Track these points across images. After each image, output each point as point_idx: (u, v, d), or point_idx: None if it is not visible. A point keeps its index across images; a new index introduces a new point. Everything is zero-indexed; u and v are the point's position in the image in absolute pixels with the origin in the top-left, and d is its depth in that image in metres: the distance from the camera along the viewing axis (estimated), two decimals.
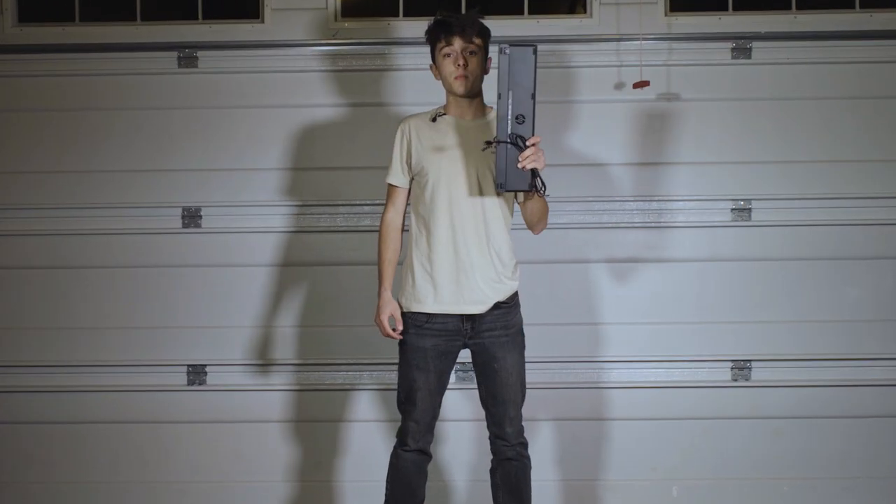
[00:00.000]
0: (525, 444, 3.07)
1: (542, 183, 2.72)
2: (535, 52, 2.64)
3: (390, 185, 3.06)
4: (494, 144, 2.68)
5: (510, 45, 2.66)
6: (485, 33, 2.97)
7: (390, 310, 2.99)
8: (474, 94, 2.96)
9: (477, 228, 2.93)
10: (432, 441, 3.07)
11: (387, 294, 3.01)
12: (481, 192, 2.91)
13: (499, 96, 2.64)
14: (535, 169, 2.70)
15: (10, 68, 3.77)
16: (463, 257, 2.92)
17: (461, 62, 2.90)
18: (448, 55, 2.93)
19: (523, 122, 2.65)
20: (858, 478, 3.78)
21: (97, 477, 3.82)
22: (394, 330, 2.98)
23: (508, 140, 2.65)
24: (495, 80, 2.67)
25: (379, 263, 3.04)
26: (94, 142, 3.79)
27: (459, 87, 2.92)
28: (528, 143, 2.67)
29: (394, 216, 3.06)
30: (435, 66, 2.99)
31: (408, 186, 3.05)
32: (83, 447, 3.82)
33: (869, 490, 3.77)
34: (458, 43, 2.91)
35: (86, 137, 3.79)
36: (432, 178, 2.94)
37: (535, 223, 2.98)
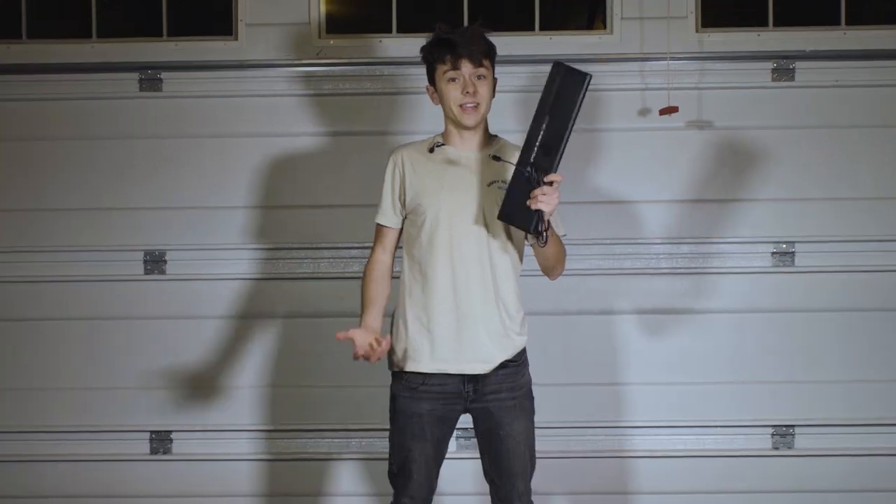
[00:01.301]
0: None
1: (545, 229, 2.39)
2: (589, 80, 2.34)
3: (379, 225, 2.74)
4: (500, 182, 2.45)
5: (566, 65, 2.39)
6: (492, 52, 2.67)
7: (366, 330, 2.61)
8: (481, 123, 2.61)
9: (483, 275, 2.59)
10: None
11: (366, 319, 2.65)
12: (487, 233, 2.58)
13: (534, 118, 2.35)
14: (542, 211, 2.36)
15: None
16: (465, 309, 2.59)
17: (470, 90, 2.57)
18: (453, 80, 2.61)
19: (549, 154, 2.34)
20: None
21: None
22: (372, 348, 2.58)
23: (528, 170, 2.34)
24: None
25: (362, 302, 2.68)
26: (44, 176, 3.53)
27: (469, 119, 2.57)
28: (545, 180, 2.35)
29: (383, 257, 2.73)
30: (433, 89, 2.64)
31: (400, 227, 2.73)
32: None
33: None
34: (465, 67, 2.58)
35: (35, 170, 3.53)
36: (430, 218, 2.59)
37: (550, 268, 2.67)
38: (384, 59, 3.49)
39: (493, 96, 2.63)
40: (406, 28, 3.51)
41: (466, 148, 2.64)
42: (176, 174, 3.50)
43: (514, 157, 2.52)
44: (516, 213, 2.38)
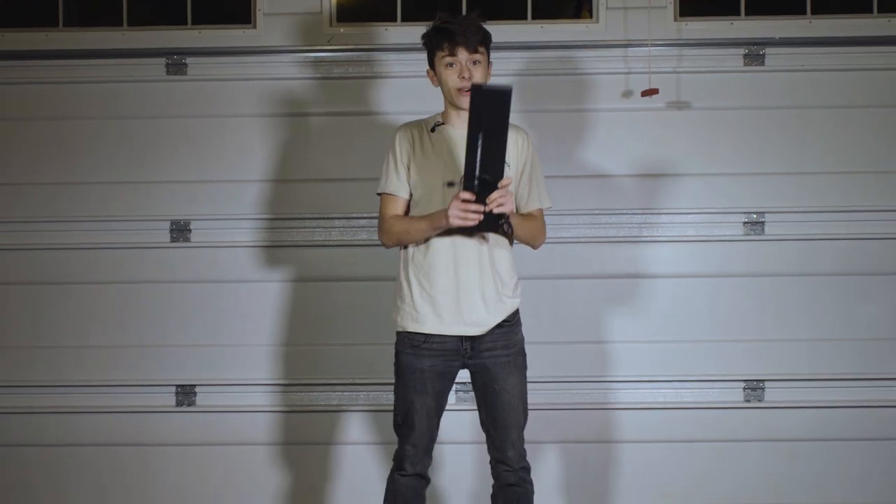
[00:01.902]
0: (528, 469, 2.98)
1: (510, 225, 2.65)
2: (510, 94, 2.53)
3: (387, 194, 2.92)
4: (459, 185, 2.62)
5: (485, 88, 2.58)
6: (487, 40, 2.88)
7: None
8: None
9: (479, 246, 2.84)
10: (430, 465, 2.98)
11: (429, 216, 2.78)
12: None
13: (469, 139, 2.51)
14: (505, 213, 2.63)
15: None
16: (463, 276, 2.82)
17: (466, 74, 2.81)
18: (451, 65, 2.83)
19: (495, 164, 2.55)
20: (877, 503, 3.71)
21: (81, 503, 3.73)
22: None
23: (476, 184, 2.55)
24: None
25: (412, 226, 2.83)
26: (78, 151, 3.74)
27: (465, 101, 2.77)
28: (500, 185, 2.59)
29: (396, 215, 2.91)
30: (433, 73, 2.89)
31: (407, 197, 2.92)
32: (66, 471, 3.74)
33: None
34: (462, 54, 2.80)
35: (69, 147, 3.74)
36: (432, 191, 2.84)
37: (529, 243, 2.94)
38: (389, 46, 3.69)
39: (488, 79, 2.88)
40: (409, 17, 3.71)
41: (464, 127, 2.92)
42: (199, 151, 3.71)
43: (512, 135, 2.74)
44: (483, 223, 2.59)
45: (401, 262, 2.92)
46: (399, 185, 2.88)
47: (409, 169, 2.87)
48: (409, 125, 2.94)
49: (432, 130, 2.89)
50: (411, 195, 2.88)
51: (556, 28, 3.70)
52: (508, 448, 2.93)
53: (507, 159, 2.66)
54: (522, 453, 2.96)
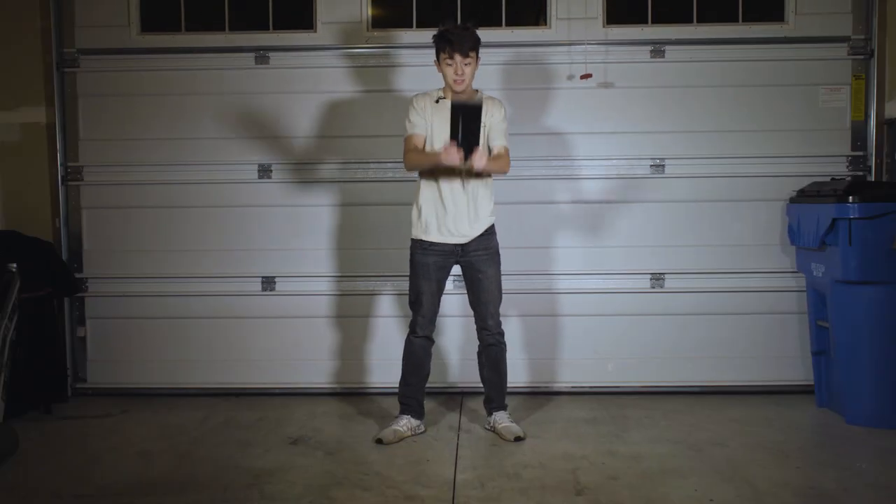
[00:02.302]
0: (502, 334, 4.33)
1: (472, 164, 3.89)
2: (481, 105, 3.87)
3: (414, 134, 4.05)
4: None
5: (462, 104, 3.79)
6: (477, 45, 4.00)
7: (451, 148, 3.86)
8: (467, 88, 4.12)
9: (465, 183, 4.13)
10: (434, 330, 4.31)
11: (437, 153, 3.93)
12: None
13: (451, 121, 3.81)
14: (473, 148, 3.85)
15: (136, 65, 5.15)
16: (450, 208, 4.14)
17: (459, 72, 3.97)
18: (449, 64, 3.98)
19: (474, 136, 3.84)
20: (741, 357, 5.10)
21: (195, 356, 5.20)
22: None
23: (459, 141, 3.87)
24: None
25: (430, 161, 4.01)
26: (195, 118, 5.12)
27: (458, 87, 4.05)
28: (478, 148, 3.90)
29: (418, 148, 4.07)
30: (438, 63, 4.14)
31: (424, 134, 4.04)
32: (186, 335, 5.19)
33: (748, 364, 5.11)
34: (457, 57, 3.95)
35: (189, 114, 5.12)
36: (435, 142, 4.11)
37: (500, 172, 4.19)
38: (408, 44, 5.00)
39: (476, 68, 4.10)
40: (422, 25, 5.03)
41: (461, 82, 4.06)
42: (278, 116, 5.06)
43: (488, 104, 4.01)
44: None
45: (416, 193, 4.21)
46: (420, 126, 4.09)
47: (424, 119, 4.12)
48: (421, 95, 4.20)
49: (437, 101, 4.15)
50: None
51: (522, 32, 5.08)
52: (488, 318, 4.23)
53: (483, 120, 3.94)
54: (499, 322, 4.27)
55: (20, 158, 5.18)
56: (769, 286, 5.09)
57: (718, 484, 3.63)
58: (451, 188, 4.13)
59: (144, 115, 5.15)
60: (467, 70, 3.98)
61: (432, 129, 4.12)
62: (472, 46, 3.97)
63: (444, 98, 4.10)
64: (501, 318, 4.35)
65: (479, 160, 3.89)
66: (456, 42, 3.92)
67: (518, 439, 4.21)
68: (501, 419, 4.35)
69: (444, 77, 4.09)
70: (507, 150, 4.17)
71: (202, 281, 5.17)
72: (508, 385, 4.45)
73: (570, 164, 5.10)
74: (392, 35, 5.12)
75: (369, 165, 5.12)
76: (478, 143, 3.86)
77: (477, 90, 4.19)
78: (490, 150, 4.13)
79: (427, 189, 4.17)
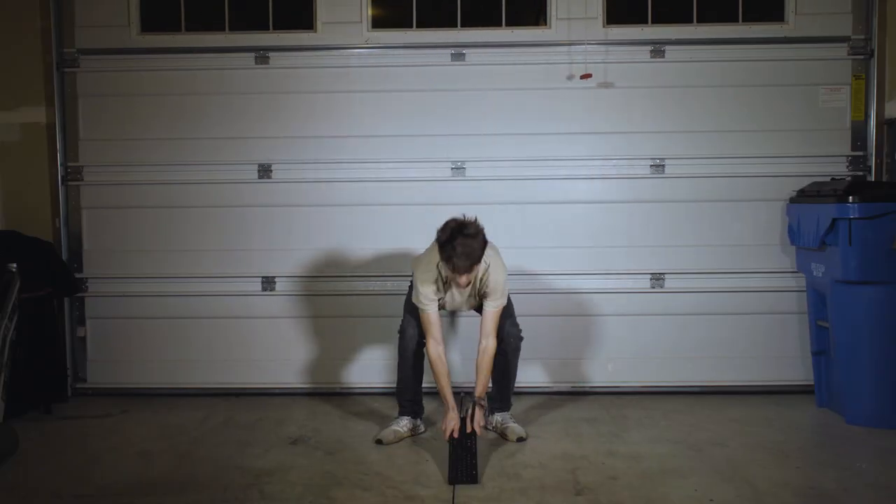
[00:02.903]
0: (521, 339, 4.35)
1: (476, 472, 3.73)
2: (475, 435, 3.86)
3: (430, 313, 4.02)
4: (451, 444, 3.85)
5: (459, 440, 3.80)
6: (480, 255, 3.86)
7: (453, 424, 3.90)
8: None
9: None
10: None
11: (452, 412, 3.95)
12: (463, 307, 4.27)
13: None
14: (476, 462, 3.75)
15: (136, 65, 5.17)
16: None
17: (463, 283, 3.93)
18: (454, 276, 3.92)
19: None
20: (741, 357, 5.12)
21: (195, 356, 5.22)
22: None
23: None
24: None
25: (441, 392, 4.06)
26: (195, 117, 5.15)
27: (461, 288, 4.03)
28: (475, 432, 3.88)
29: (436, 347, 4.07)
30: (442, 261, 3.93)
31: (437, 311, 4.08)
32: (186, 335, 5.21)
33: (748, 364, 5.12)
34: (464, 277, 3.91)
35: (189, 114, 5.15)
36: (447, 302, 4.21)
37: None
38: (407, 44, 5.05)
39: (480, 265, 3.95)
40: (421, 25, 5.05)
41: (460, 291, 4.08)
42: (278, 116, 5.08)
43: (490, 281, 3.94)
44: (459, 475, 3.65)
45: (422, 260, 4.14)
46: (433, 305, 4.08)
47: (435, 299, 4.09)
48: (426, 276, 4.02)
49: (445, 282, 4.06)
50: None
51: (522, 32, 5.11)
52: (502, 333, 4.23)
53: (476, 296, 4.05)
54: (517, 329, 4.31)
55: (20, 158, 5.19)
56: (769, 286, 5.10)
57: (718, 484, 3.63)
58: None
59: (144, 115, 5.17)
60: (470, 277, 3.95)
61: (444, 297, 4.19)
62: (471, 265, 3.88)
63: (449, 281, 4.09)
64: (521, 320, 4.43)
65: (479, 425, 3.97)
66: (458, 266, 3.86)
67: (521, 440, 4.24)
68: (504, 419, 4.39)
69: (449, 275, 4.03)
70: (499, 312, 4.15)
71: (202, 281, 5.19)
72: None
73: (570, 164, 5.11)
74: (392, 35, 5.14)
75: (368, 165, 5.14)
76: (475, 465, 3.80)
77: (490, 255, 4.06)
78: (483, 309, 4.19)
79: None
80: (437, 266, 4.04)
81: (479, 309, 4.25)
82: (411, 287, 4.25)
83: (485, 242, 3.89)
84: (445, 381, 4.11)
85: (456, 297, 4.19)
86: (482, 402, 4.08)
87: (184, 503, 3.50)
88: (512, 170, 5.08)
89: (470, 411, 3.98)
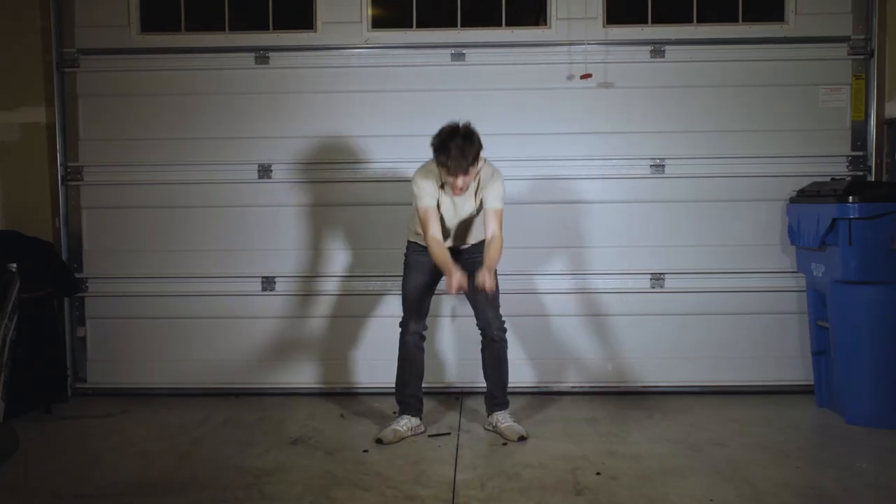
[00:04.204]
0: (504, 331, 4.36)
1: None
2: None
3: (426, 206, 4.11)
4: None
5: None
6: (477, 155, 3.98)
7: (459, 277, 4.03)
8: None
9: (464, 232, 4.30)
10: (426, 328, 4.36)
11: (457, 272, 4.04)
12: (469, 216, 4.27)
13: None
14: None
15: (135, 65, 5.17)
16: (451, 241, 4.29)
17: (460, 185, 4.02)
18: (448, 179, 4.03)
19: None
20: (741, 357, 5.11)
21: (195, 356, 5.22)
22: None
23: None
24: None
25: (443, 263, 4.09)
26: (194, 117, 5.15)
27: (458, 194, 4.12)
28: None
29: (436, 232, 4.12)
30: (437, 164, 4.04)
31: (437, 207, 4.16)
32: (186, 335, 5.22)
33: (748, 364, 5.12)
34: (459, 179, 4.01)
35: (189, 114, 5.16)
36: (443, 214, 4.21)
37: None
38: (407, 44, 5.06)
39: (480, 167, 4.06)
40: (421, 25, 5.06)
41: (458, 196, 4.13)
42: (277, 116, 5.08)
43: (486, 179, 4.06)
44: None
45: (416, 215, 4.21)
46: (432, 199, 4.14)
47: (434, 195, 4.14)
48: (423, 176, 4.13)
49: (441, 186, 4.13)
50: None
51: (522, 32, 5.12)
52: (489, 319, 4.29)
53: (476, 201, 4.11)
54: (500, 320, 4.32)
55: (20, 158, 5.19)
56: (769, 286, 5.10)
57: (718, 484, 3.63)
58: (454, 232, 4.30)
59: (144, 114, 5.17)
60: (467, 180, 4.02)
61: (439, 205, 4.21)
62: (471, 163, 3.96)
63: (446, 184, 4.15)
64: (504, 317, 4.40)
65: (488, 283, 4.06)
66: (453, 167, 3.94)
67: (521, 439, 4.24)
68: (504, 419, 4.39)
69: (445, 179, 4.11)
70: (498, 213, 4.21)
71: (202, 281, 5.20)
72: (509, 385, 4.48)
73: (570, 164, 5.12)
74: (392, 35, 5.15)
75: (369, 165, 5.15)
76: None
77: (484, 160, 4.18)
78: (484, 215, 4.24)
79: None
80: (437, 172, 4.11)
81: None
82: (406, 264, 4.29)
83: (480, 144, 3.99)
84: (445, 253, 4.12)
85: (458, 202, 4.20)
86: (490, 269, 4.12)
87: (184, 503, 3.50)
88: (512, 170, 4.96)
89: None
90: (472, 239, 4.35)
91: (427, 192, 4.14)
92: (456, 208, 4.24)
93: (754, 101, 5.08)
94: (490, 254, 4.15)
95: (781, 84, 5.08)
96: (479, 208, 4.24)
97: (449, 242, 4.29)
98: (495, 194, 4.18)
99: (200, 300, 5.21)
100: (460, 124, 4.02)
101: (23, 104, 5.16)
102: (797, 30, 5.05)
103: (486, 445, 4.20)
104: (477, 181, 4.17)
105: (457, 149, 3.92)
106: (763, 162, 5.07)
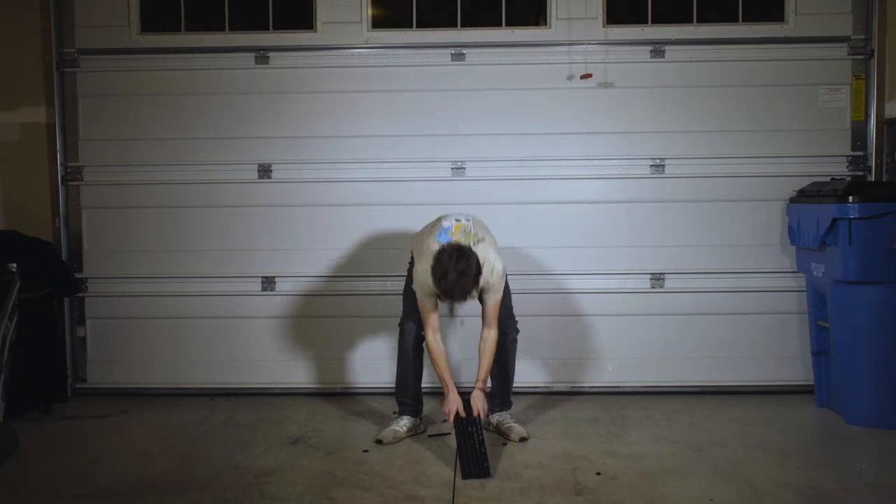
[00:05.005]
0: (516, 331, 4.37)
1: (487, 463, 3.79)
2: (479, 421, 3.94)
3: (424, 306, 4.00)
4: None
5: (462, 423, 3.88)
6: (476, 286, 3.85)
7: (457, 405, 3.96)
8: None
9: None
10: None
11: (453, 394, 4.01)
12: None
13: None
14: (485, 450, 3.81)
15: (135, 65, 5.17)
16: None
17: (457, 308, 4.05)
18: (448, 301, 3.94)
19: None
20: (741, 357, 5.11)
21: (195, 356, 5.22)
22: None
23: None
24: None
25: (440, 375, 4.07)
26: (194, 117, 5.15)
27: None
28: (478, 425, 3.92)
29: (433, 336, 4.08)
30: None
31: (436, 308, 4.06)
32: (186, 335, 5.21)
33: (748, 364, 5.12)
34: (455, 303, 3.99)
35: (188, 114, 5.15)
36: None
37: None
38: (407, 44, 5.05)
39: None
40: (421, 25, 5.05)
41: None
42: (277, 116, 5.08)
43: (486, 280, 3.86)
44: (471, 468, 3.72)
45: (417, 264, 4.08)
46: (431, 303, 4.04)
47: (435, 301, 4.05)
48: (424, 287, 3.95)
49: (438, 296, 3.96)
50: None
51: (522, 32, 5.11)
52: (505, 322, 4.24)
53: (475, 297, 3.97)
54: (514, 322, 4.33)
55: (20, 158, 5.20)
56: (769, 286, 5.09)
57: (718, 484, 3.63)
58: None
59: (144, 115, 5.17)
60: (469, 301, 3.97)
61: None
62: (470, 294, 3.89)
63: None
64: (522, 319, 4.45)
65: (481, 407, 4.03)
66: (455, 300, 3.92)
67: (522, 440, 4.24)
68: (505, 419, 4.40)
69: None
70: (496, 308, 4.12)
71: (202, 281, 5.20)
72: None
73: (569, 164, 5.11)
74: (392, 35, 5.14)
75: (369, 165, 5.14)
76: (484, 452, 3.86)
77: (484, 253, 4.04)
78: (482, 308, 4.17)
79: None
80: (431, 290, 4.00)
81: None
82: (410, 271, 4.24)
83: (479, 270, 3.85)
84: (444, 363, 4.11)
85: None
86: (485, 388, 4.10)
87: (184, 503, 3.50)
88: (512, 170, 5.08)
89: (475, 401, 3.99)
90: None
91: (424, 293, 4.02)
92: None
93: (754, 101, 5.08)
94: (484, 358, 4.10)
95: (781, 84, 5.07)
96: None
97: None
98: (494, 288, 4.07)
99: (200, 300, 5.20)
100: (462, 250, 3.84)
101: (23, 104, 5.17)
102: (797, 30, 5.05)
103: (487, 445, 4.18)
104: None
105: (457, 286, 3.79)
106: (763, 162, 5.06)
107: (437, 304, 4.07)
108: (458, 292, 3.81)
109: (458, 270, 3.76)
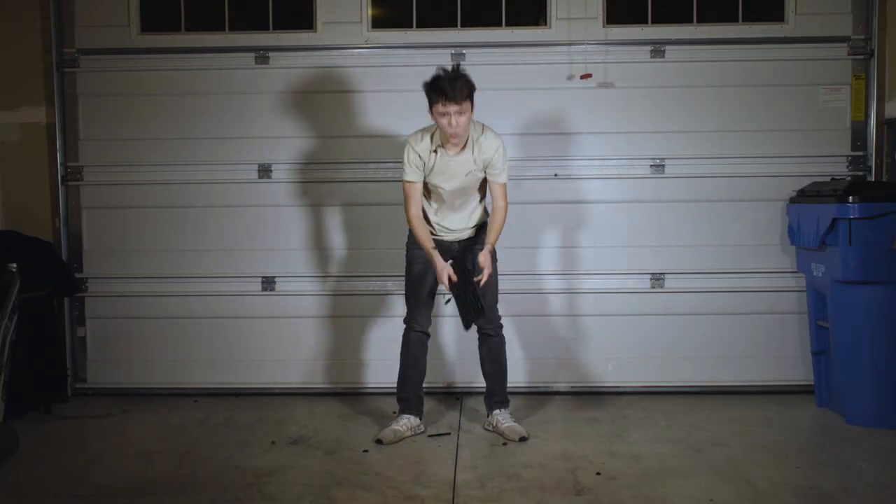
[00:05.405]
0: (501, 327, 4.38)
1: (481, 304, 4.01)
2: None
3: (408, 182, 4.09)
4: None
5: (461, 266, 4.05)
6: (472, 91, 3.93)
7: (447, 272, 4.05)
8: (462, 140, 4.04)
9: (462, 208, 4.25)
10: (430, 325, 4.36)
11: (439, 263, 4.06)
12: (467, 190, 4.20)
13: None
14: (478, 295, 3.98)
15: (135, 65, 5.17)
16: (448, 224, 4.27)
17: (454, 123, 3.92)
18: (443, 115, 3.92)
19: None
20: (741, 357, 5.12)
21: (195, 356, 5.22)
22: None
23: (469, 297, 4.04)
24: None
25: (424, 247, 4.11)
26: (193, 117, 5.14)
27: (454, 140, 4.03)
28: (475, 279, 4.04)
29: (416, 210, 4.12)
30: (432, 114, 3.99)
31: (422, 181, 4.16)
32: (186, 335, 5.21)
33: (748, 364, 5.12)
34: (451, 107, 3.90)
35: (188, 113, 5.15)
36: (433, 185, 4.18)
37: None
38: (407, 44, 5.06)
39: (473, 114, 3.97)
40: (421, 26, 5.07)
41: (453, 152, 4.10)
42: (277, 116, 5.08)
43: (486, 146, 3.99)
44: (469, 317, 4.01)
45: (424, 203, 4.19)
46: (417, 175, 4.10)
47: (421, 169, 4.11)
48: (417, 139, 4.07)
49: (434, 151, 4.11)
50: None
51: (522, 32, 5.11)
52: (488, 317, 4.24)
53: (474, 164, 4.05)
54: (497, 318, 4.32)
55: (20, 158, 5.20)
56: (769, 286, 5.10)
57: (718, 484, 3.64)
58: (449, 207, 4.24)
59: (144, 115, 5.17)
60: (462, 120, 3.94)
61: (432, 171, 4.15)
62: (466, 94, 3.92)
63: (443, 147, 4.09)
64: (503, 317, 4.43)
65: (488, 267, 4.10)
66: (448, 90, 3.87)
67: (522, 439, 4.24)
68: (504, 419, 4.39)
69: (440, 129, 4.05)
70: (504, 187, 4.21)
71: (202, 281, 5.20)
72: (509, 385, 4.49)
73: (570, 164, 5.12)
74: (392, 35, 5.15)
75: (369, 165, 5.15)
76: (477, 296, 4.02)
77: (482, 126, 4.17)
78: (487, 187, 4.26)
79: (429, 207, 4.28)
80: (431, 135, 4.10)
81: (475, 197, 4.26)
82: (408, 263, 4.28)
83: (472, 84, 3.96)
84: (424, 232, 4.15)
85: (452, 165, 4.10)
86: (492, 250, 4.19)
87: (184, 503, 3.50)
88: (511, 170, 4.96)
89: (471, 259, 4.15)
90: (468, 221, 4.27)
91: (413, 163, 4.10)
92: (451, 172, 4.12)
93: (754, 101, 5.08)
94: (494, 225, 4.18)
95: (781, 84, 5.07)
96: (477, 180, 4.16)
97: (445, 219, 4.24)
98: (499, 166, 4.15)
99: (200, 300, 5.20)
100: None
101: (23, 104, 5.17)
102: (797, 30, 5.05)
103: (486, 445, 4.20)
104: (474, 147, 4.08)
105: (449, 81, 3.92)
106: (763, 162, 5.06)
107: (423, 182, 4.13)
108: (451, 84, 3.88)
109: (448, 72, 3.95)
